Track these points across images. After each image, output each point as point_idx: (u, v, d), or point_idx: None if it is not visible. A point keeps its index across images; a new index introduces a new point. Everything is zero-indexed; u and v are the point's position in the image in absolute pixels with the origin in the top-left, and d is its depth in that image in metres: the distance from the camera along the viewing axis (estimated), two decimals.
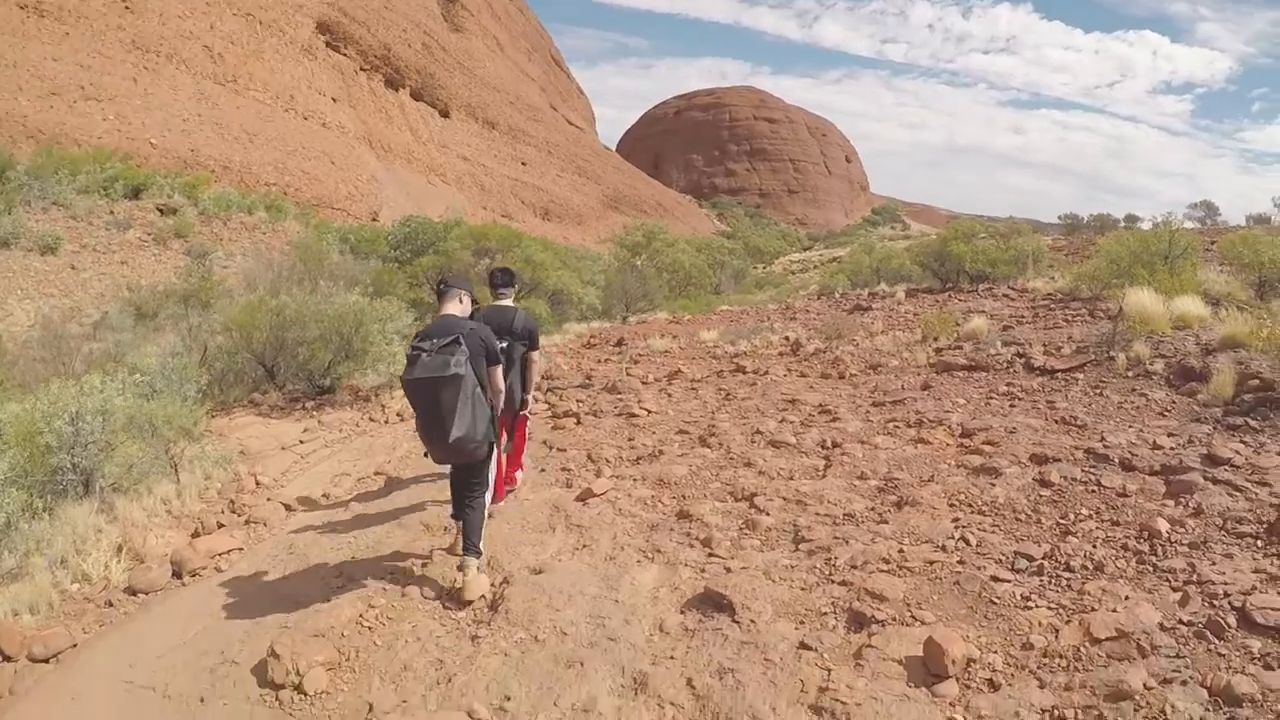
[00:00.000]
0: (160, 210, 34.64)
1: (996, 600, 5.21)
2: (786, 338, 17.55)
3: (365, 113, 73.18)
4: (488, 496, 6.37)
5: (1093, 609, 4.91)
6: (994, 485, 7.18)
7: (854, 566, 5.79)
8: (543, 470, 8.89)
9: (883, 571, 5.68)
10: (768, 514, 6.89)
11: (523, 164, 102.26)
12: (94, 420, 8.11)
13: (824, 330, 17.26)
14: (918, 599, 5.30)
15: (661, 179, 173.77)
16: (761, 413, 10.61)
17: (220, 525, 8.03)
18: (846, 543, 6.19)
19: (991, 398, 10.50)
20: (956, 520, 6.52)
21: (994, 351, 12.84)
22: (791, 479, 7.83)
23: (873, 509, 6.91)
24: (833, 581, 5.64)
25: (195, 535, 7.79)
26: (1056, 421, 9.03)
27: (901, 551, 5.96)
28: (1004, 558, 5.80)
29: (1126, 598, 5.04)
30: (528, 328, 7.29)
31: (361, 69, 75.39)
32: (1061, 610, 5.00)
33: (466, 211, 57.92)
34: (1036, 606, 5.09)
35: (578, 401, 12.44)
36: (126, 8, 47.68)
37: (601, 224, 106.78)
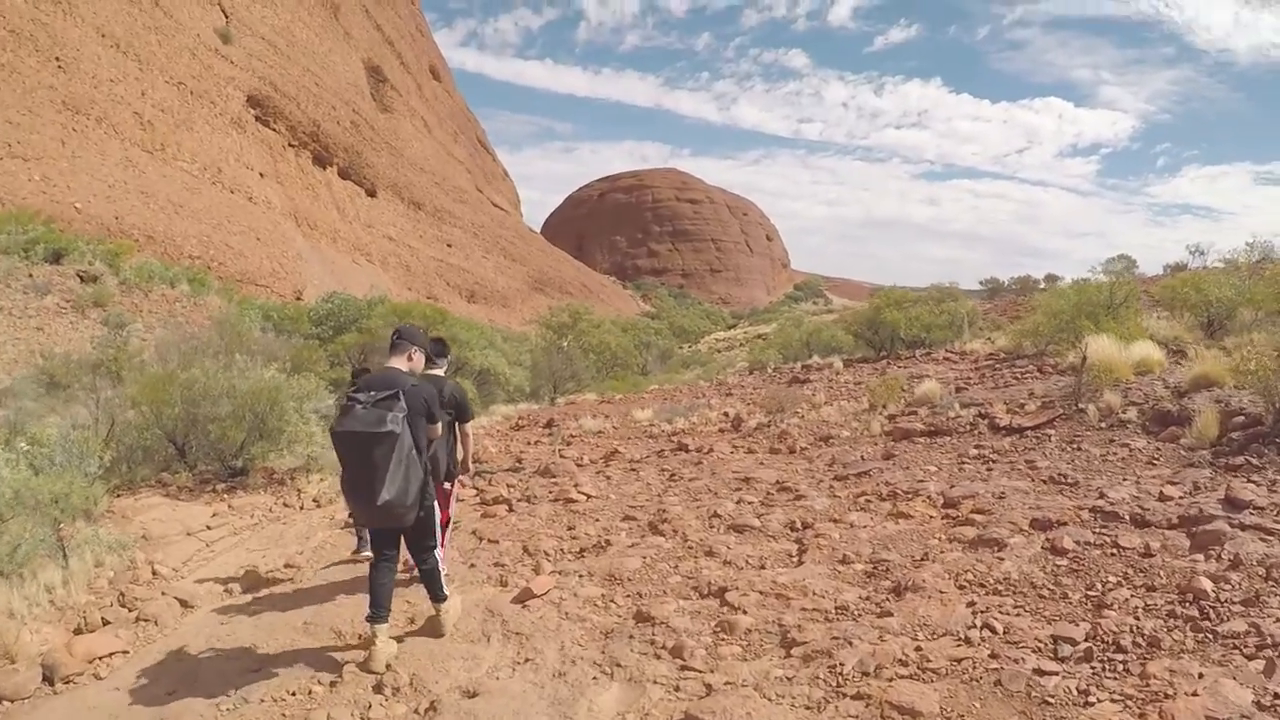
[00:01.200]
0: (81, 277, 33.08)
1: (1051, 700, 4.23)
2: (726, 413, 16.66)
3: (292, 189, 71.92)
4: (439, 553, 5.97)
5: (1167, 695, 4.05)
6: (1001, 559, 6.24)
7: (866, 673, 4.69)
8: (472, 566, 7.63)
9: (904, 677, 4.61)
10: (744, 612, 5.74)
11: (448, 245, 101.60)
12: None
13: (765, 404, 16.45)
14: (958, 709, 4.25)
15: (586, 261, 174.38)
16: (714, 493, 9.54)
17: (105, 622, 6.90)
18: (849, 643, 5.07)
19: (964, 462, 9.67)
20: (972, 604, 5.49)
21: (953, 414, 12.08)
22: (764, 568, 6.72)
23: (868, 599, 5.84)
24: (845, 695, 4.54)
25: (78, 632, 6.68)
26: (1045, 481, 8.29)
27: (919, 649, 4.90)
28: (1041, 644, 4.84)
29: (1201, 675, 4.20)
30: (457, 398, 6.93)
31: (290, 145, 74.33)
32: (1130, 702, 4.10)
33: (392, 292, 56.83)
34: (1099, 701, 4.17)
35: (508, 486, 11.27)
36: (60, 67, 46.05)
37: (527, 306, 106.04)
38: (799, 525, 7.74)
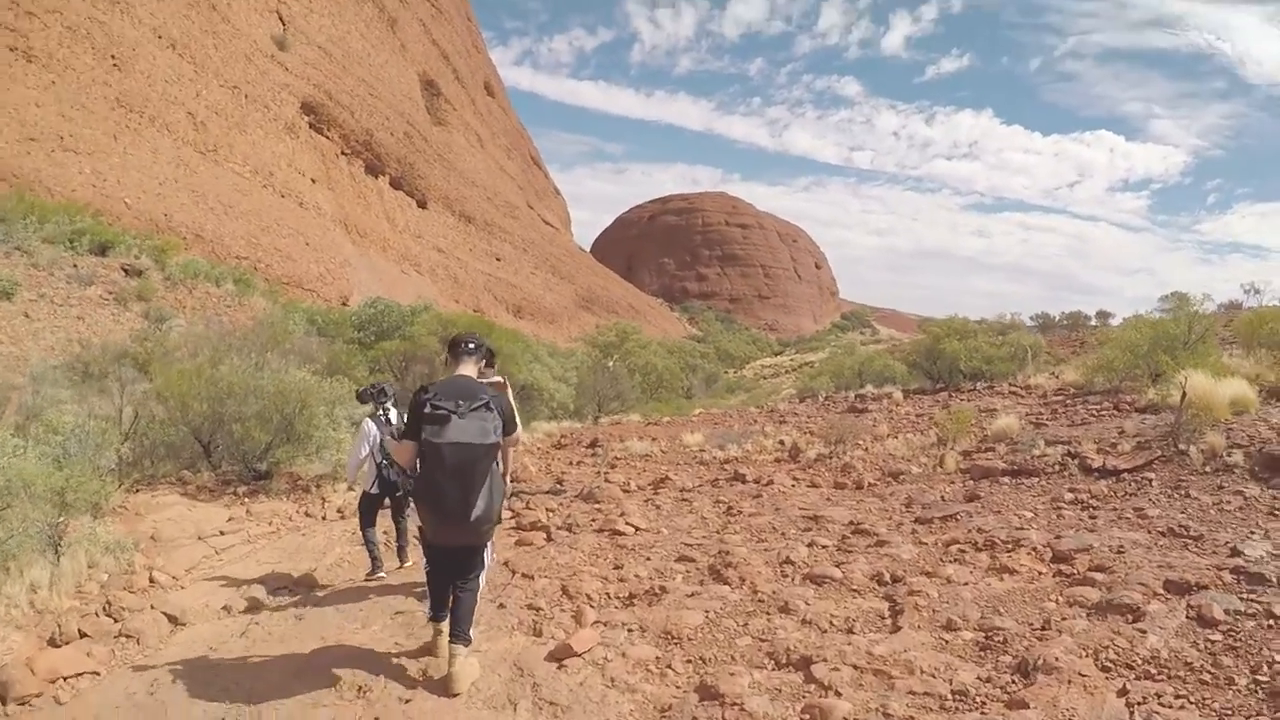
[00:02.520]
0: (125, 270, 32.91)
1: None
2: (781, 442, 15.62)
3: (343, 196, 72.03)
4: (483, 578, 5.74)
5: None
6: (1143, 631, 5.11)
7: None
8: (501, 606, 6.60)
9: None
10: (838, 693, 4.62)
11: (497, 259, 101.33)
12: None
13: (824, 434, 15.38)
14: None
15: (634, 282, 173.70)
16: (781, 533, 8.45)
17: (81, 634, 6.15)
18: None
19: (1060, 507, 8.56)
20: (1124, 692, 4.37)
21: (1037, 452, 10.93)
22: (852, 632, 5.61)
23: (989, 680, 4.71)
24: None
25: (51, 643, 6.01)
26: (1162, 534, 7.19)
27: None
28: None
29: None
30: (505, 407, 6.15)
31: (343, 153, 74.50)
32: None
33: (439, 303, 56.16)
34: None
35: (548, 511, 10.29)
36: (115, 65, 46.21)
37: (574, 324, 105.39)
38: (887, 578, 6.63)
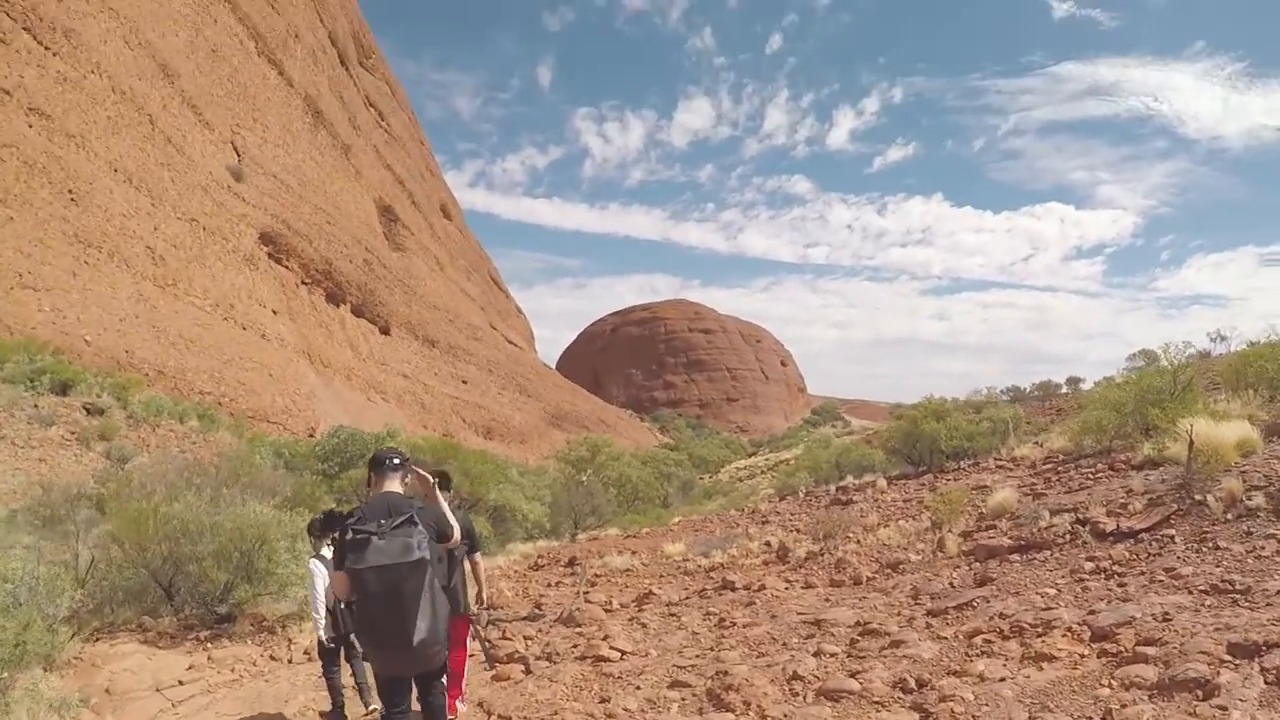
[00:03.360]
0: (87, 409, 32.42)
1: None
2: (768, 543, 14.83)
3: (305, 326, 71.21)
4: (460, 705, 5.63)
5: None
6: (1223, 708, 4.40)
7: None
8: None
9: None
10: None
11: (464, 382, 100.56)
12: None
13: (811, 530, 14.60)
14: None
15: (602, 395, 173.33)
16: (782, 644, 7.60)
17: None
18: None
19: (1083, 580, 7.87)
20: None
21: (1043, 524, 10.23)
22: None
23: None
24: None
25: None
26: (1204, 592, 6.57)
27: None
28: None
29: None
30: (467, 526, 6.49)
31: (303, 282, 73.98)
32: None
33: (407, 429, 55.30)
34: None
35: (525, 640, 9.37)
36: (72, 199, 45.65)
37: (544, 442, 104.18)
38: (912, 684, 5.79)
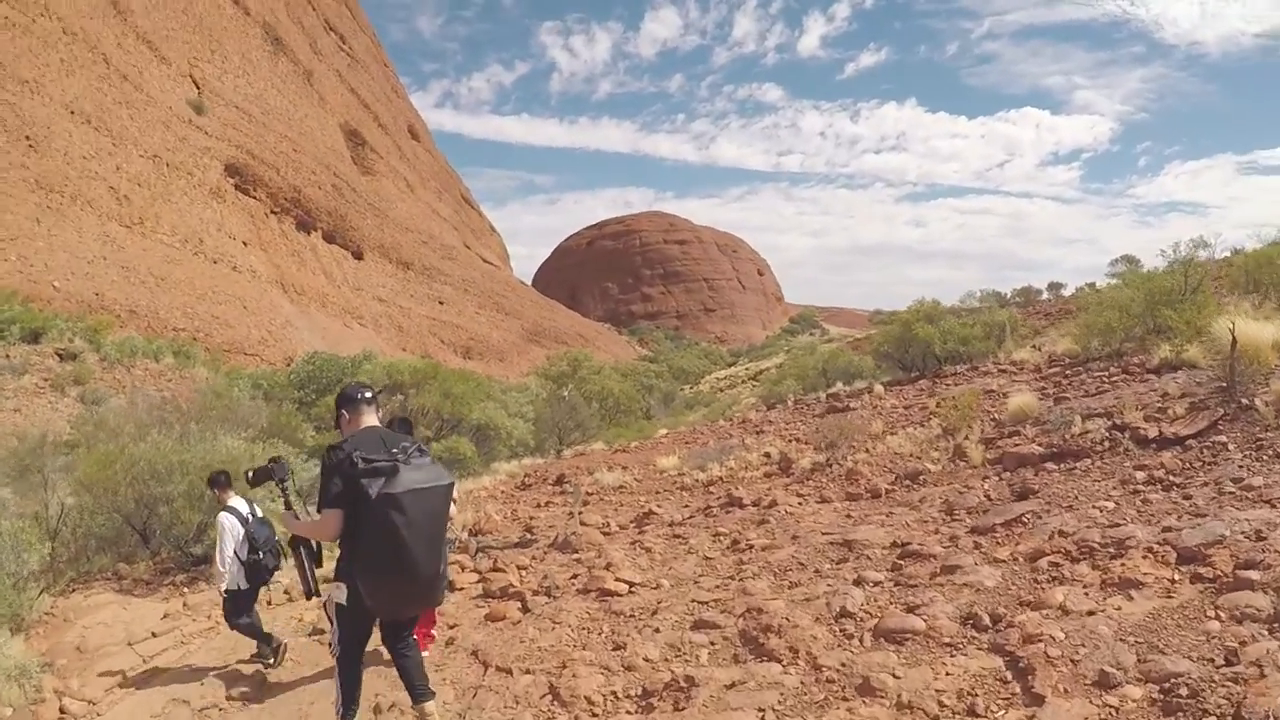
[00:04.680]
0: (60, 355, 32.51)
1: None
2: (767, 454, 13.98)
3: (277, 256, 70.50)
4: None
5: None
6: None
7: None
8: None
9: None
10: None
11: (440, 303, 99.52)
12: None
13: (813, 440, 13.80)
14: None
15: (579, 310, 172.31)
16: (814, 570, 6.72)
17: None
18: None
19: (1138, 491, 7.05)
20: None
21: (1076, 430, 9.35)
22: (977, 715, 3.92)
23: None
24: None
25: None
26: None
27: None
28: None
29: None
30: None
31: (272, 211, 73.05)
32: None
33: (385, 353, 54.80)
34: None
35: (519, 570, 8.50)
36: (30, 146, 44.92)
37: (524, 359, 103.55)
38: (985, 620, 4.92)
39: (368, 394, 4.68)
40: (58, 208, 44.92)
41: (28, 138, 45.00)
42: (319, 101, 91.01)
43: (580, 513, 11.19)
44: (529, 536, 10.36)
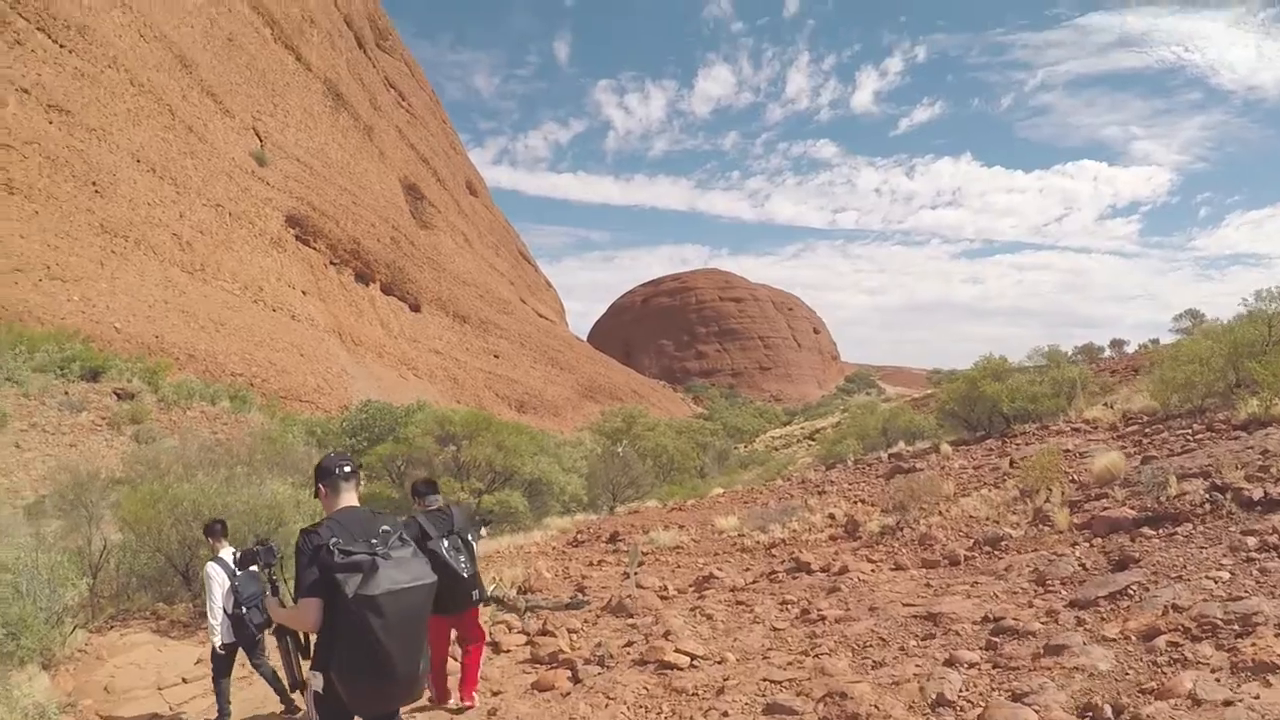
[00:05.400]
0: (118, 395, 32.88)
1: None
2: (832, 516, 13.36)
3: (335, 305, 71.64)
4: None
5: None
6: None
7: None
8: None
9: None
10: None
11: (495, 356, 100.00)
12: None
13: (881, 501, 13.15)
14: None
15: (634, 367, 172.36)
16: (898, 647, 6.07)
17: None
18: None
19: (1253, 560, 6.39)
20: None
21: (1172, 492, 8.62)
22: None
23: None
24: None
25: None
26: None
27: None
28: None
29: None
30: (468, 513, 6.41)
31: (331, 262, 74.41)
32: None
33: (440, 405, 55.13)
34: None
35: (570, 635, 7.95)
36: (96, 191, 46.05)
37: (578, 414, 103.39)
38: (1107, 711, 4.26)
39: (347, 468, 4.28)
40: (122, 252, 45.94)
41: (94, 183, 46.11)
42: (379, 156, 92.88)
43: (636, 574, 10.63)
44: (581, 597, 9.82)
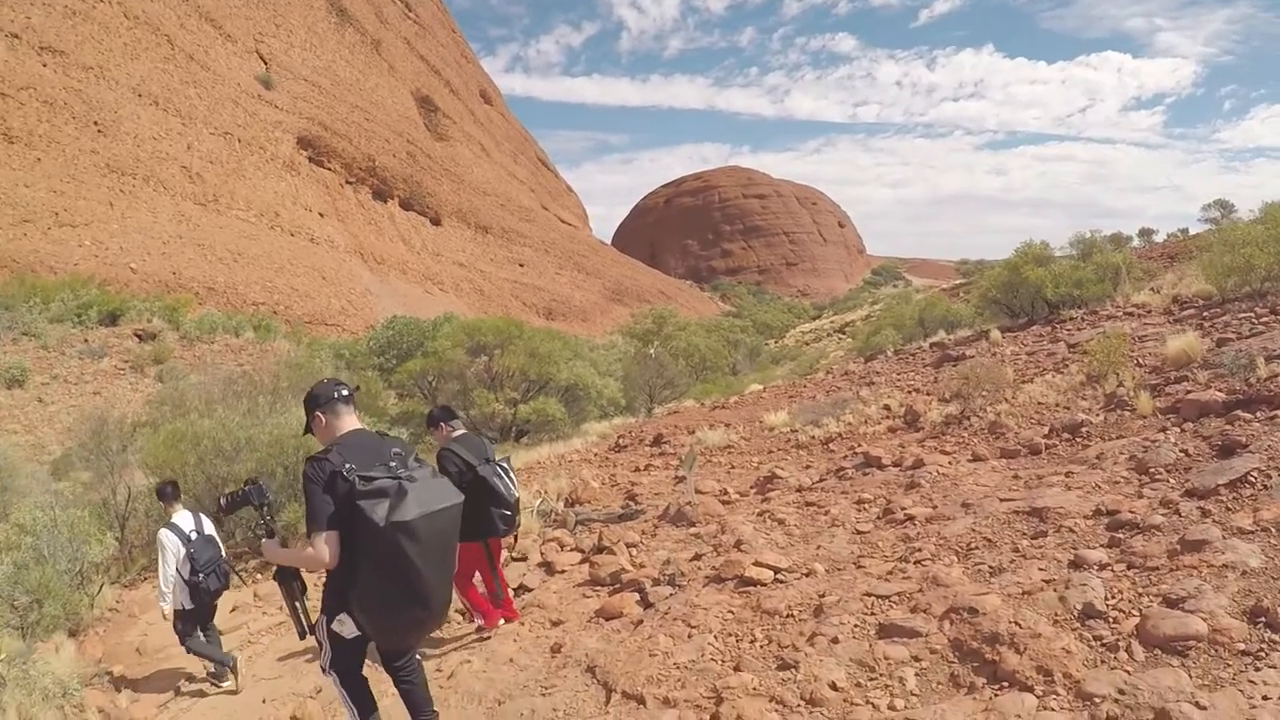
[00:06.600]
0: (139, 336, 32.78)
1: None
2: (887, 407, 12.80)
3: (354, 225, 71.24)
4: None
5: None
6: None
7: None
8: None
9: None
10: None
11: (520, 265, 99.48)
12: None
13: (937, 390, 12.58)
14: None
15: (660, 268, 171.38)
16: (1012, 549, 5.41)
17: None
18: None
19: None
20: None
21: (1263, 375, 7.99)
22: None
23: None
24: None
25: None
26: None
27: None
28: None
29: None
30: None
31: (347, 182, 73.77)
32: None
33: (466, 316, 55.10)
34: None
35: (629, 549, 7.47)
36: (99, 131, 45.70)
37: (606, 318, 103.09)
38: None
39: (344, 390, 3.96)
40: (130, 190, 45.59)
41: (96, 123, 45.62)
42: (388, 70, 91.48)
43: (694, 477, 10.10)
44: (634, 506, 9.36)
